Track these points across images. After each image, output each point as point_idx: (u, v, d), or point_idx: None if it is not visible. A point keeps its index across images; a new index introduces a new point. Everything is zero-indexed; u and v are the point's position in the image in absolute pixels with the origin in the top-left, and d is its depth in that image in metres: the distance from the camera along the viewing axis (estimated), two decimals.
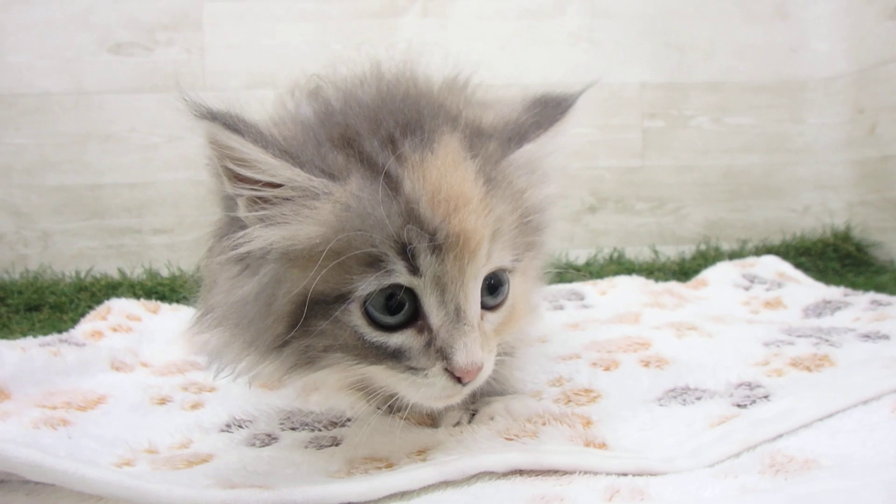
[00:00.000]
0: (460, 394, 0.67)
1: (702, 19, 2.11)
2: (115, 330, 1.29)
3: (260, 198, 0.63)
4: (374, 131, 0.66)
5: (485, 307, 0.67)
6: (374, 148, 0.64)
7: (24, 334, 1.53)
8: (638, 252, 2.08)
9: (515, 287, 0.71)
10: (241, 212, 0.64)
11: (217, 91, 1.96)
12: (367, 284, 0.61)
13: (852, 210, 2.11)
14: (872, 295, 1.27)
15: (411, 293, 0.63)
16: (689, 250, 2.08)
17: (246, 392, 0.98)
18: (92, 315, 1.34)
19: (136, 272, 1.91)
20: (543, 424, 0.75)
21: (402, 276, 0.62)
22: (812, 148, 2.16)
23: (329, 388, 0.95)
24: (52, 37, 1.93)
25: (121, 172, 1.97)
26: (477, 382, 0.66)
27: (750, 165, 2.15)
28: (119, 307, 1.38)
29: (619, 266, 1.97)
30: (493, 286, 0.68)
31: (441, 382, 0.64)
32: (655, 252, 2.08)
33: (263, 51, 1.98)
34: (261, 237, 0.63)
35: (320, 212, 0.62)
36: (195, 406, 0.92)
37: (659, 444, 0.72)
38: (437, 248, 0.61)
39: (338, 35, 2.00)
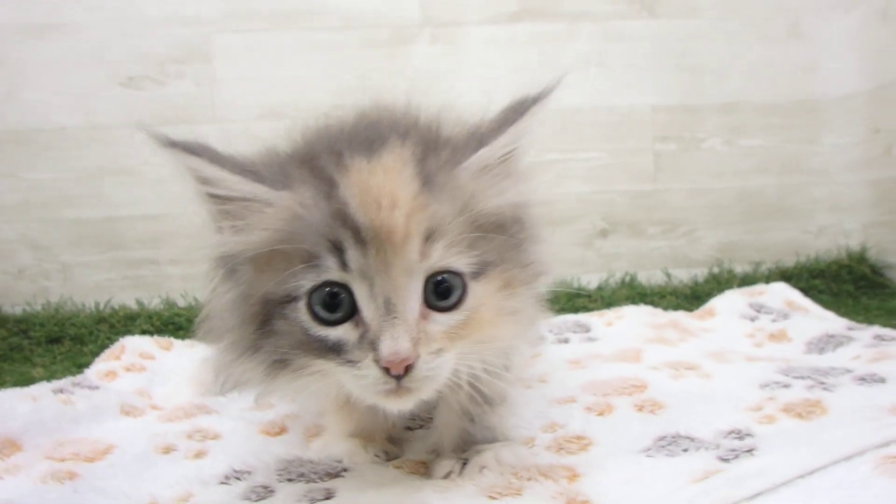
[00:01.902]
0: (404, 392, 0.67)
1: (714, 40, 2.10)
2: (128, 370, 1.33)
3: (226, 210, 0.71)
4: (329, 150, 0.72)
5: (434, 308, 0.70)
6: (324, 162, 0.71)
7: (45, 367, 1.59)
8: (650, 276, 2.08)
9: (481, 295, 0.71)
10: (217, 224, 0.73)
11: (227, 123, 2.01)
12: (307, 281, 0.67)
13: (868, 232, 2.09)
14: (876, 329, 1.27)
15: (350, 291, 0.68)
16: (701, 274, 2.07)
17: (249, 437, 1.02)
18: (106, 355, 1.38)
19: (154, 303, 1.95)
20: (528, 480, 0.76)
21: (333, 272, 0.67)
22: (827, 169, 2.14)
23: (330, 431, 0.98)
24: (67, 73, 1.98)
25: (136, 205, 2.01)
26: (422, 384, 0.68)
27: (764, 187, 2.14)
28: (132, 346, 1.42)
29: (631, 290, 1.97)
30: (444, 288, 0.70)
31: (373, 374, 0.67)
32: (668, 275, 2.08)
33: (273, 82, 2.02)
34: (228, 242, 0.71)
35: (270, 218, 0.69)
36: (199, 455, 0.95)
37: (640, 500, 0.73)
38: (362, 243, 0.66)
39: (348, 65, 2.02)
